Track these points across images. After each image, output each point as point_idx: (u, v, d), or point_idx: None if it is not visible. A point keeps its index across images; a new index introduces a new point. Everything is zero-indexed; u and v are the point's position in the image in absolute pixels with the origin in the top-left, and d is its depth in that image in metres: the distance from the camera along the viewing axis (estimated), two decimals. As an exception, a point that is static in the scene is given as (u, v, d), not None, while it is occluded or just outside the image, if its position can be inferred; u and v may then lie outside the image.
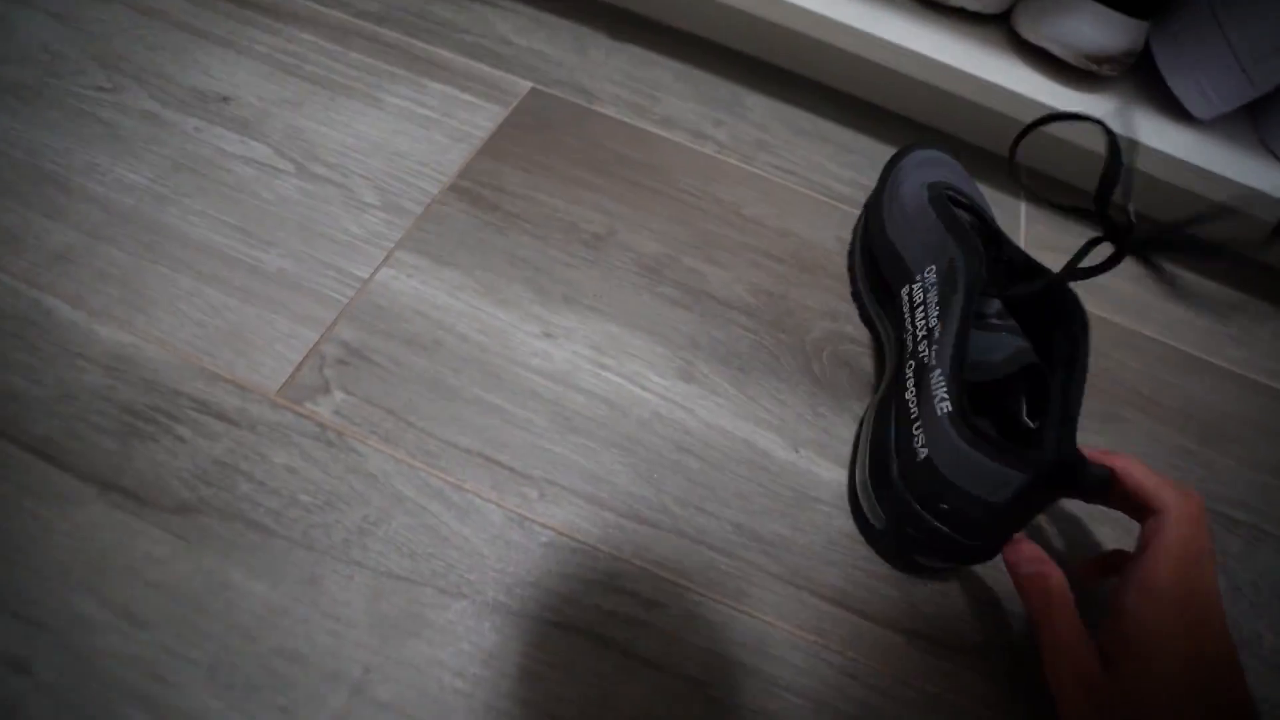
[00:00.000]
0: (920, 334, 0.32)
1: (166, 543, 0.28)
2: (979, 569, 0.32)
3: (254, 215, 0.37)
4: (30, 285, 0.34)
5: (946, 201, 0.35)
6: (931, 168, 0.37)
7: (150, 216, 0.37)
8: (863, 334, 0.39)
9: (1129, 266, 0.46)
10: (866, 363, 0.38)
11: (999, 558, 0.29)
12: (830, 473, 0.34)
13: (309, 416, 0.32)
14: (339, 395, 0.32)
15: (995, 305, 0.33)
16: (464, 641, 0.28)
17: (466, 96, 0.44)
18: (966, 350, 0.29)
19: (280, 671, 0.27)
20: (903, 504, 0.29)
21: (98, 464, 0.30)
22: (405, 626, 0.28)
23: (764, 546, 0.31)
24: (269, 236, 0.37)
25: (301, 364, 0.33)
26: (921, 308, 0.32)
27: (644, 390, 0.35)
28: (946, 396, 0.29)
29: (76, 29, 0.43)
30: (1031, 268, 0.33)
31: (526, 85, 0.45)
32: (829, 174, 0.45)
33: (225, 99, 0.42)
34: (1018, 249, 0.34)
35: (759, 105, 0.48)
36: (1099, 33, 0.40)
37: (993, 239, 0.35)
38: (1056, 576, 0.27)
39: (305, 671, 0.27)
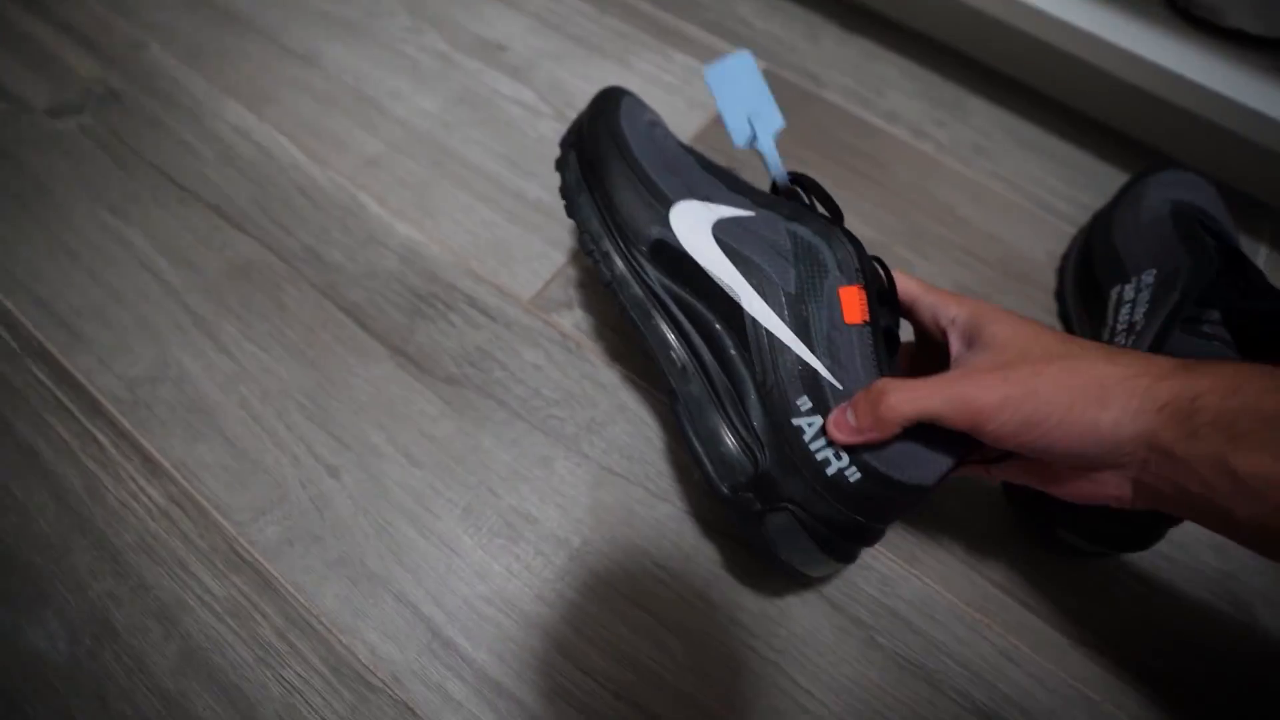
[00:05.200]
0: (1120, 327, 0.32)
1: (436, 404, 0.35)
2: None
3: (519, 149, 0.43)
4: (350, 181, 0.41)
5: (1192, 221, 0.34)
6: (1183, 188, 0.37)
7: (439, 139, 0.44)
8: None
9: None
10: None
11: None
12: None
13: (554, 325, 0.37)
14: (578, 312, 0.37)
15: (1215, 317, 0.32)
16: (666, 540, 0.32)
17: (706, 69, 0.48)
18: (1164, 346, 0.28)
19: (516, 526, 0.32)
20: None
21: (391, 331, 0.37)
22: (619, 515, 0.32)
23: (944, 524, 0.33)
24: (531, 169, 0.42)
25: (550, 281, 0.38)
26: (1129, 305, 0.32)
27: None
28: None
29: (396, -24, 0.52)
30: (1272, 293, 0.32)
31: (761, 65, 0.48)
32: (1047, 188, 0.45)
33: (502, 47, 0.48)
34: (1261, 273, 0.32)
35: (982, 110, 0.48)
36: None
37: (1234, 261, 0.33)
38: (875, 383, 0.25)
39: (535, 530, 0.32)
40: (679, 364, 0.29)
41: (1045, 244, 0.43)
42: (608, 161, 0.30)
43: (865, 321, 0.26)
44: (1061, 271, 0.41)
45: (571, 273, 0.39)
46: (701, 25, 0.50)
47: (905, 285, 0.28)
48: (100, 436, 0.33)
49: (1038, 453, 0.22)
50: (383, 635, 0.29)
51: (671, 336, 0.29)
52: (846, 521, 0.25)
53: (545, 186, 0.42)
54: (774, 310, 0.27)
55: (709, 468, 0.28)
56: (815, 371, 0.26)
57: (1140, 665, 0.30)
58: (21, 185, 0.41)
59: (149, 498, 0.32)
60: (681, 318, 0.29)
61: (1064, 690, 0.30)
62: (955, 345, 0.26)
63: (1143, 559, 0.33)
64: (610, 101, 0.32)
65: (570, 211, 0.31)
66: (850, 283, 0.27)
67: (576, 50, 0.48)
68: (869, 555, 0.32)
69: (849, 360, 0.26)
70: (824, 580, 0.31)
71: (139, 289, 0.37)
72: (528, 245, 0.40)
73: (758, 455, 0.27)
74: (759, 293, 0.27)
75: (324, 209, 0.41)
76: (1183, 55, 0.41)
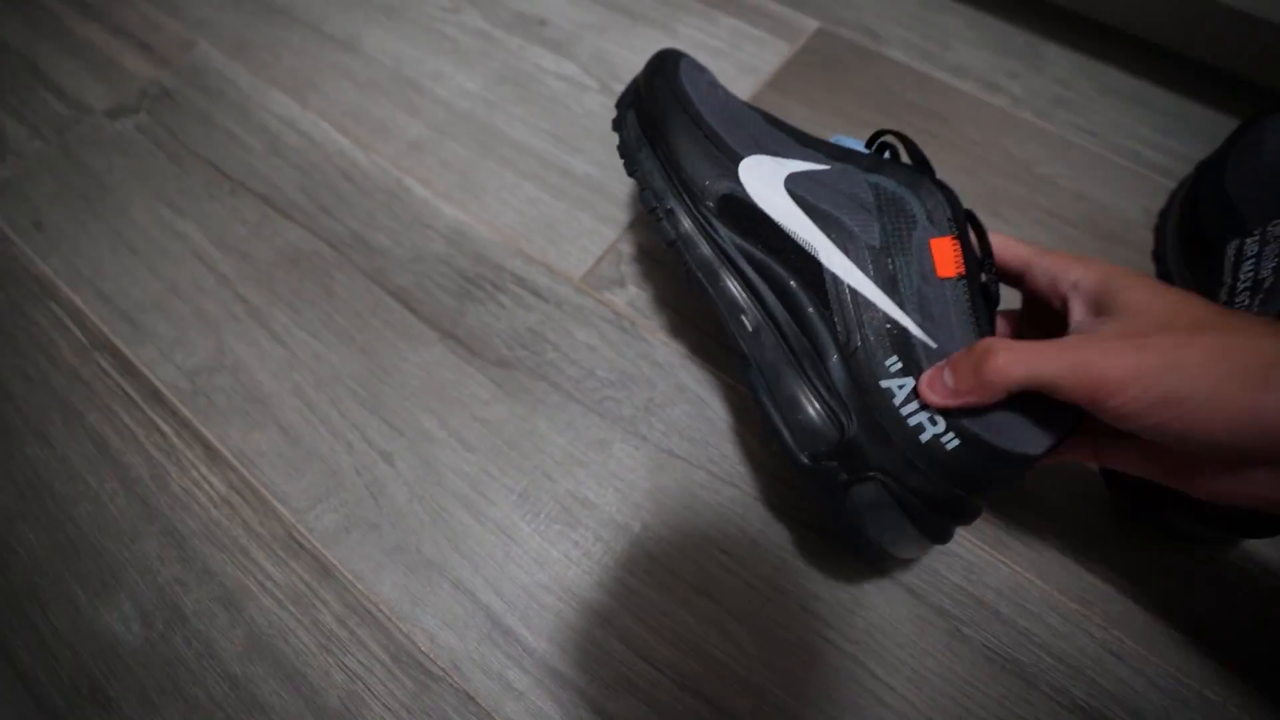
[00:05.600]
0: (1243, 285, 0.28)
1: (488, 388, 0.34)
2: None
3: (565, 124, 0.42)
4: (394, 166, 0.41)
5: None
6: None
7: (482, 118, 0.42)
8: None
9: None
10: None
11: None
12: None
13: (606, 304, 0.36)
14: (633, 289, 0.36)
15: None
16: (731, 525, 0.30)
17: (755, 31, 0.45)
18: None
19: (573, 511, 0.31)
20: None
21: (440, 315, 0.36)
22: (681, 499, 0.31)
23: (1035, 508, 0.30)
24: (577, 144, 0.41)
25: (602, 258, 0.37)
26: (1253, 260, 0.28)
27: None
28: None
29: (433, -45, 0.51)
30: None
31: (813, 24, 0.46)
32: (1140, 138, 0.41)
33: (542, 22, 0.47)
34: None
35: (1061, 58, 0.44)
36: None
37: None
38: (979, 342, 0.22)
39: (593, 515, 0.31)
40: (751, 326, 0.27)
41: (1139, 200, 0.39)
42: (669, 117, 0.29)
43: (960, 275, 0.24)
44: (1160, 230, 0.37)
45: (624, 249, 0.37)
46: (749, -14, 0.48)
47: (1014, 248, 0.25)
48: (163, 425, 0.33)
49: (1170, 437, 0.19)
50: (442, 623, 0.29)
51: (743, 297, 0.27)
52: (942, 494, 0.23)
53: (593, 161, 0.40)
54: (857, 265, 0.25)
55: (787, 436, 0.26)
56: (905, 329, 0.24)
57: (1266, 664, 0.27)
58: (86, 186, 0.42)
59: (210, 485, 0.32)
60: (754, 276, 0.27)
61: (1177, 689, 0.27)
62: (1078, 313, 0.22)
63: (1269, 546, 0.29)
64: (668, 61, 0.31)
65: (630, 170, 0.30)
66: (943, 234, 0.24)
67: (619, 20, 0.46)
68: (952, 541, 0.30)
69: (943, 316, 0.24)
70: (905, 566, 0.29)
71: (195, 281, 0.38)
72: (577, 222, 0.38)
73: (842, 421, 0.25)
74: (839, 247, 0.25)
75: (369, 194, 0.40)
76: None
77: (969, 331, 0.24)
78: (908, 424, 0.23)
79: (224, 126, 0.43)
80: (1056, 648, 0.28)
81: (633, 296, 0.36)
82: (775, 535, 0.30)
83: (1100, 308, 0.22)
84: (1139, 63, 0.44)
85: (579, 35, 0.46)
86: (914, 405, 0.23)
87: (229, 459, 0.33)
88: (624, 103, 0.31)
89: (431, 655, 0.28)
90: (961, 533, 0.30)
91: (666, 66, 0.30)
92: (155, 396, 0.34)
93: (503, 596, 0.29)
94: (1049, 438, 0.23)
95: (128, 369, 0.35)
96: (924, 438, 0.23)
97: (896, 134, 0.28)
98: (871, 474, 0.24)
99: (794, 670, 0.28)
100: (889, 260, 0.25)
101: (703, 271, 0.28)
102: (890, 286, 0.24)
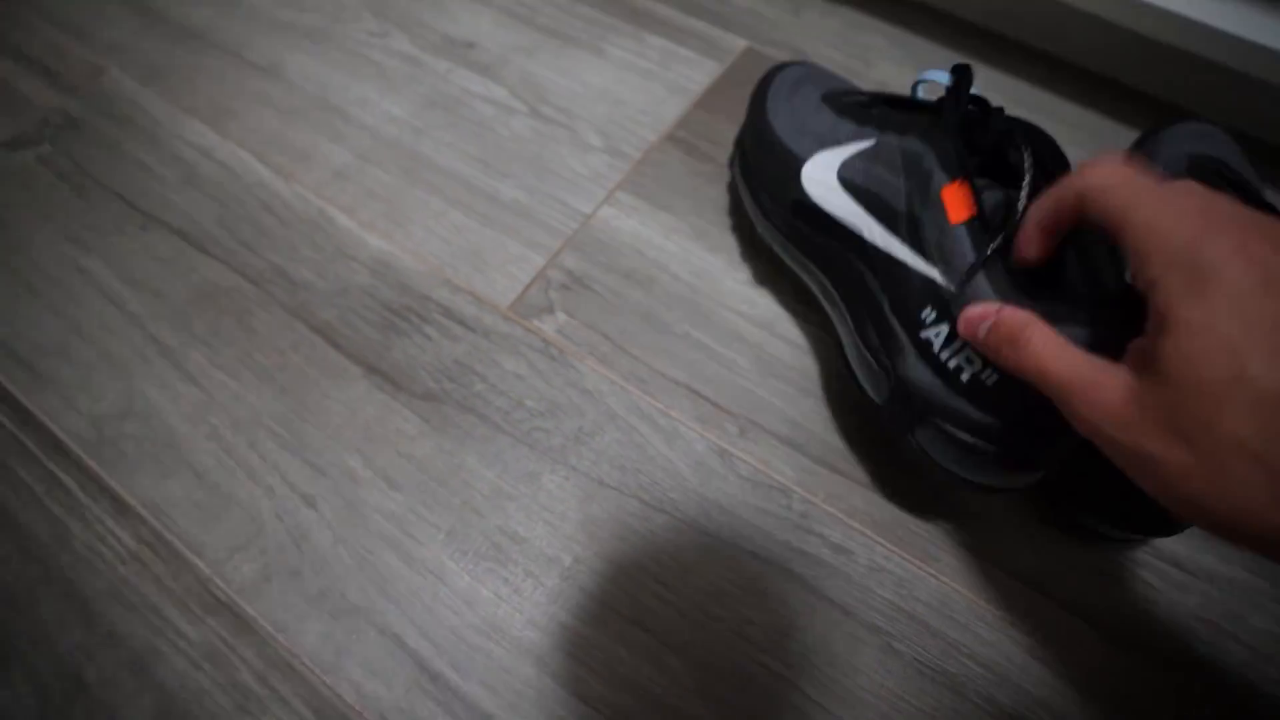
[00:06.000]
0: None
1: (414, 423, 0.33)
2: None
3: (492, 149, 0.41)
4: (317, 195, 0.40)
5: (1212, 175, 0.32)
6: (1199, 141, 0.34)
7: (409, 145, 0.42)
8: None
9: None
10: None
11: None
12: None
13: (535, 332, 0.35)
14: (561, 316, 0.36)
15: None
16: (665, 553, 0.30)
17: (684, 51, 0.46)
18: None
19: (503, 547, 0.30)
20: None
21: (364, 349, 0.35)
22: (612, 530, 0.30)
23: (961, 516, 0.31)
24: (505, 169, 0.41)
25: (530, 284, 0.37)
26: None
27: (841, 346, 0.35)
28: None
29: (356, -22, 0.50)
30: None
31: (742, 43, 0.46)
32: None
33: (470, 45, 0.46)
34: None
35: (978, 74, 0.46)
36: None
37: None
38: (1018, 314, 0.21)
39: (524, 550, 0.30)
40: (835, 317, 0.32)
41: (1053, 211, 0.40)
42: (757, 154, 0.34)
43: (972, 217, 0.25)
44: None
45: (552, 275, 0.37)
46: (676, 6, 0.48)
47: (1106, 198, 0.19)
48: (66, 479, 0.32)
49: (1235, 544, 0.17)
50: (368, 672, 0.28)
51: (827, 280, 0.32)
52: (995, 427, 0.25)
53: (520, 186, 0.40)
54: (892, 233, 0.28)
55: (860, 378, 0.30)
56: (932, 280, 0.26)
57: (1184, 657, 0.28)
58: (-16, 222, 0.40)
59: (118, 540, 0.30)
60: (835, 262, 0.31)
61: (1100, 690, 0.28)
62: (1150, 322, 0.18)
63: (1177, 542, 0.30)
64: (756, 101, 0.36)
65: (736, 206, 0.38)
66: (952, 179, 0.26)
67: (548, 42, 0.46)
68: (882, 557, 0.30)
69: (960, 261, 0.25)
70: (836, 587, 0.29)
71: (102, 321, 0.36)
72: (504, 249, 0.38)
73: (895, 373, 0.28)
74: (879, 220, 0.28)
75: (291, 226, 0.39)
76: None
77: (976, 268, 0.24)
78: (948, 367, 0.26)
79: (135, 157, 0.42)
80: (984, 656, 0.28)
81: (562, 324, 0.35)
82: (709, 561, 0.30)
83: (1158, 325, 0.17)
84: (1051, 78, 0.46)
85: (507, 58, 0.45)
86: (951, 348, 0.25)
87: (139, 511, 0.31)
88: (732, 160, 0.37)
89: (358, 707, 0.27)
90: (893, 548, 0.30)
91: (754, 104, 0.36)
92: (57, 448, 0.32)
93: (431, 640, 0.28)
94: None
95: (25, 420, 0.33)
96: (964, 377, 0.25)
97: (965, 67, 0.29)
98: (929, 418, 0.27)
99: (729, 698, 0.27)
100: (915, 220, 0.27)
101: (795, 265, 0.34)
102: (918, 243, 0.27)
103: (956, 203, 0.26)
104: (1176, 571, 0.30)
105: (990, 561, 0.30)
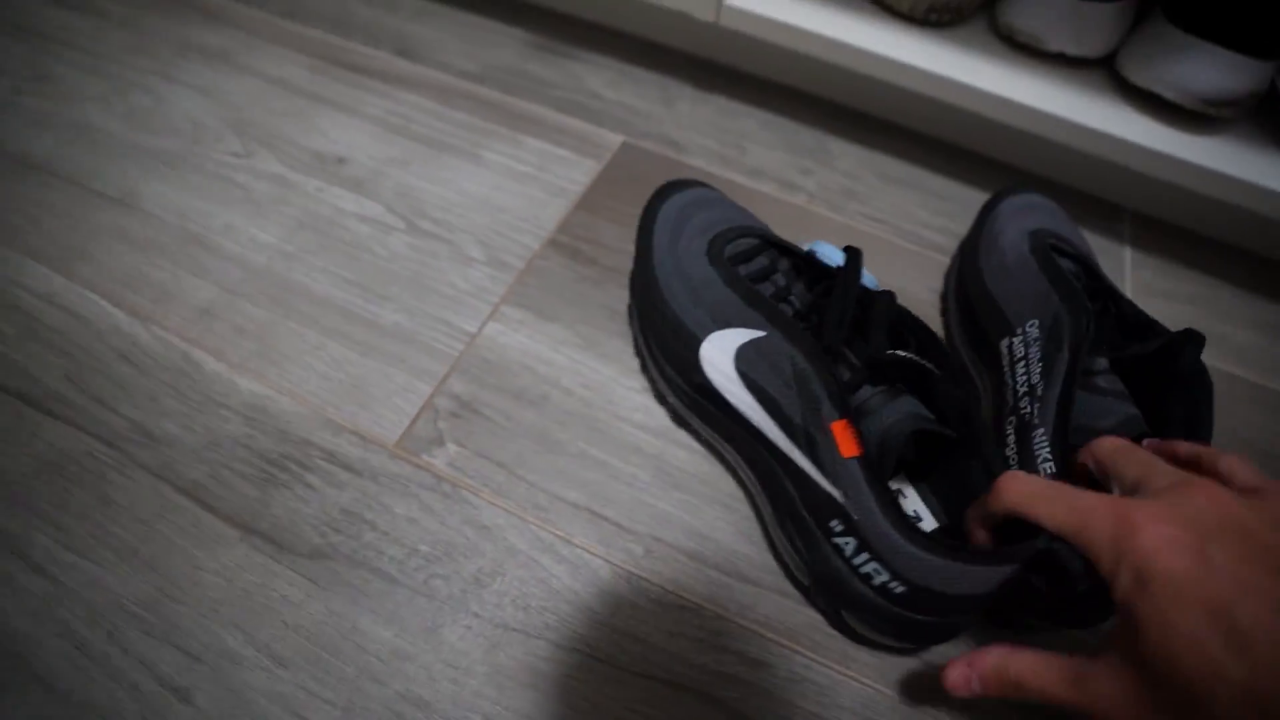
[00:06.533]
0: (1022, 389, 0.31)
1: (301, 585, 0.31)
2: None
3: (370, 271, 0.40)
4: (180, 338, 0.37)
5: (1050, 252, 0.34)
6: (1031, 214, 0.37)
7: (280, 273, 0.40)
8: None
9: (1254, 310, 0.44)
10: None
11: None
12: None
13: (425, 468, 0.34)
14: (453, 448, 0.34)
15: (1103, 364, 0.32)
16: (579, 695, 0.29)
17: (562, 151, 0.46)
18: (1072, 412, 0.29)
19: (407, 717, 0.28)
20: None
21: (240, 509, 0.32)
22: (522, 678, 0.29)
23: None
24: (384, 291, 0.39)
25: (417, 416, 0.35)
26: (1023, 362, 0.32)
27: (742, 445, 0.35)
28: (1050, 458, 0.28)
29: (216, 100, 0.48)
30: (1144, 323, 0.32)
31: (618, 139, 0.47)
32: (920, 222, 0.45)
33: (341, 160, 0.45)
34: (1130, 303, 0.33)
35: (847, 152, 0.48)
36: (1219, 75, 0.38)
37: (1101, 292, 0.34)
38: (988, 658, 0.24)
39: (429, 716, 0.28)
40: (748, 486, 0.33)
41: (926, 280, 0.43)
42: (654, 319, 0.33)
43: (857, 456, 0.27)
44: (945, 315, 0.40)
45: (440, 403, 0.35)
46: (551, 105, 0.49)
47: (1031, 509, 0.23)
48: (-121, 717, 0.27)
49: None
50: None
51: (741, 461, 0.32)
52: (909, 620, 0.27)
53: (401, 309, 0.39)
54: (792, 442, 0.29)
55: (786, 558, 0.31)
56: (834, 499, 0.27)
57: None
58: None
59: (-54, 784, 0.26)
60: (743, 445, 0.31)
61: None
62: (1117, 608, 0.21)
63: (1094, 634, 0.31)
64: (642, 239, 0.35)
65: (642, 368, 0.36)
66: (840, 415, 0.27)
67: (423, 152, 0.46)
68: (801, 666, 0.30)
69: (856, 494, 0.26)
70: (757, 706, 0.29)
71: (-73, 513, 0.32)
72: (388, 380, 0.36)
73: (814, 567, 0.29)
74: (779, 425, 0.29)
75: (152, 375, 0.36)
76: (1018, 83, 0.42)
77: (876, 510, 0.26)
78: (861, 572, 0.27)
79: (-33, 314, 0.38)
80: (910, 756, 0.28)
81: (453, 455, 0.34)
82: (626, 697, 0.29)
83: (1124, 615, 0.20)
84: (911, 150, 0.49)
85: (381, 171, 0.44)
86: (861, 558, 0.27)
87: (-26, 741, 0.27)
88: (632, 291, 0.37)
89: None
90: (810, 654, 0.30)
91: (640, 243, 0.35)
92: None
93: (329, 842, 0.26)
94: (998, 575, 0.25)
95: None
96: (875, 583, 0.27)
97: (854, 250, 0.31)
98: (848, 606, 0.28)
99: None
100: (811, 437, 0.28)
101: (712, 440, 0.33)
102: (816, 461, 0.28)
103: (845, 439, 0.27)
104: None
105: (906, 654, 0.30)
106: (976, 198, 0.47)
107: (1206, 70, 0.38)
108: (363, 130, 0.47)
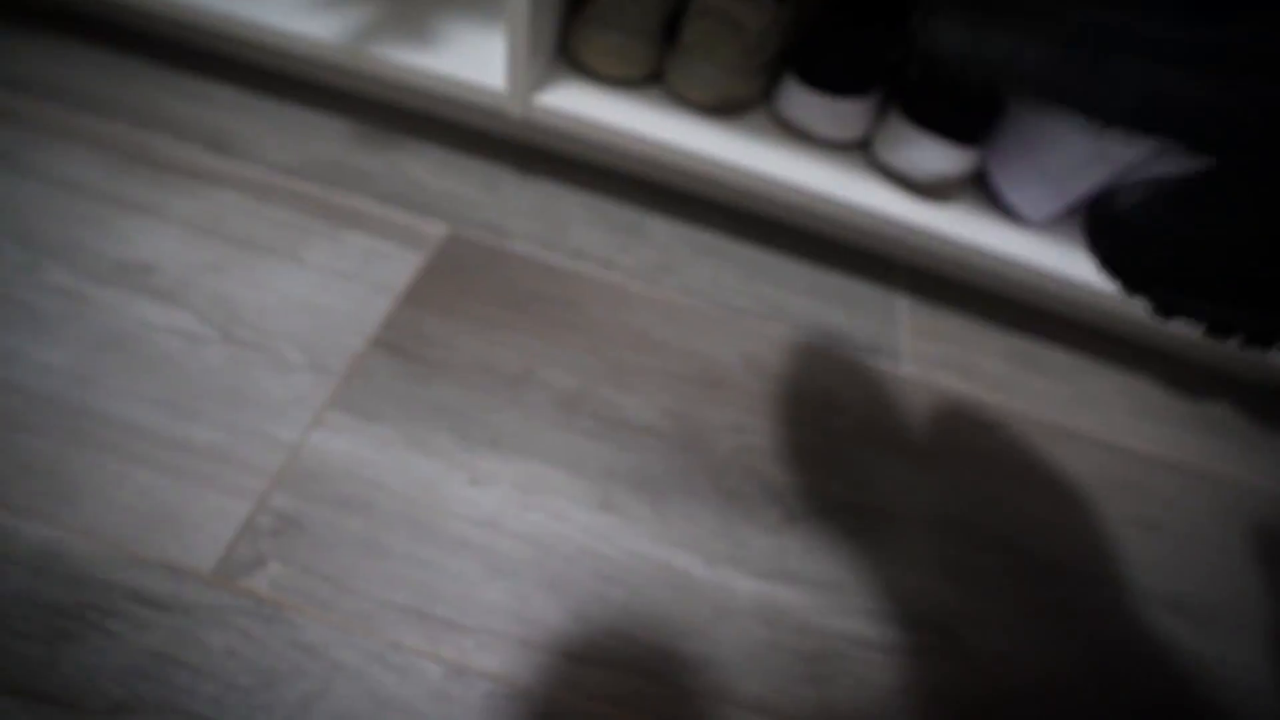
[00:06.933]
0: None
1: (103, 745, 0.29)
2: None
3: (180, 388, 0.39)
4: (-51, 487, 0.34)
5: None
6: None
7: (73, 400, 0.38)
8: (767, 442, 0.43)
9: (1005, 343, 0.52)
10: (774, 471, 0.42)
11: None
12: (746, 583, 0.37)
13: (246, 593, 0.33)
14: (275, 566, 0.34)
15: None
16: (409, 806, 0.29)
17: (385, 246, 0.47)
18: None
19: None
20: None
21: (23, 675, 0.30)
22: (351, 800, 0.29)
23: (687, 666, 0.34)
24: (196, 408, 0.38)
25: (236, 540, 0.34)
26: None
27: (568, 524, 0.37)
28: None
29: (-10, 212, 0.44)
30: None
31: (443, 228, 0.49)
32: (728, 289, 0.50)
33: (148, 268, 0.43)
34: None
35: (661, 229, 0.53)
36: (939, 159, 0.46)
37: None
38: None
39: None
40: None
41: (737, 344, 0.47)
42: None
43: None
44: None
45: (261, 520, 0.35)
46: (374, 197, 0.50)
47: None
48: None
49: None
50: None
51: None
52: None
53: (216, 425, 0.38)
54: None
55: None
56: None
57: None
58: None
59: None
60: None
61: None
62: None
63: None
64: None
65: None
66: None
67: (238, 254, 0.45)
68: (627, 731, 0.32)
69: None
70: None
71: None
72: (201, 503, 0.35)
73: None
74: None
75: (-85, 532, 0.33)
76: (792, 163, 0.48)
77: None
78: None
79: None
80: (731, 799, 0.31)
81: (275, 575, 0.34)
82: (461, 797, 0.29)
83: None
84: (720, 222, 0.54)
85: (193, 279, 0.43)
86: None
87: None
88: None
89: None
90: (635, 717, 0.32)
91: None
92: None
93: None
94: None
95: None
96: None
97: None
98: None
99: None
100: None
101: None
102: None
103: None
104: (875, 654, 0.35)
105: (724, 701, 0.33)
106: (775, 262, 0.53)
107: (930, 154, 0.46)
108: (171, 234, 0.45)
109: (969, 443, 0.46)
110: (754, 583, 0.37)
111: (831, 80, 0.46)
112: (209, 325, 0.41)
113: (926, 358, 0.50)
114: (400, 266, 0.46)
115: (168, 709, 0.30)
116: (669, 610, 0.36)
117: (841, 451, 0.44)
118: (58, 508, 0.34)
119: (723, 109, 0.49)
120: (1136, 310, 0.48)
